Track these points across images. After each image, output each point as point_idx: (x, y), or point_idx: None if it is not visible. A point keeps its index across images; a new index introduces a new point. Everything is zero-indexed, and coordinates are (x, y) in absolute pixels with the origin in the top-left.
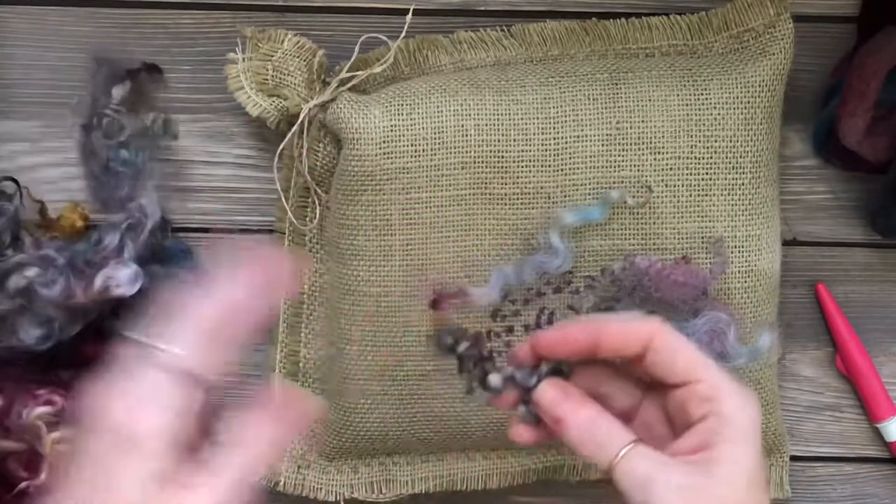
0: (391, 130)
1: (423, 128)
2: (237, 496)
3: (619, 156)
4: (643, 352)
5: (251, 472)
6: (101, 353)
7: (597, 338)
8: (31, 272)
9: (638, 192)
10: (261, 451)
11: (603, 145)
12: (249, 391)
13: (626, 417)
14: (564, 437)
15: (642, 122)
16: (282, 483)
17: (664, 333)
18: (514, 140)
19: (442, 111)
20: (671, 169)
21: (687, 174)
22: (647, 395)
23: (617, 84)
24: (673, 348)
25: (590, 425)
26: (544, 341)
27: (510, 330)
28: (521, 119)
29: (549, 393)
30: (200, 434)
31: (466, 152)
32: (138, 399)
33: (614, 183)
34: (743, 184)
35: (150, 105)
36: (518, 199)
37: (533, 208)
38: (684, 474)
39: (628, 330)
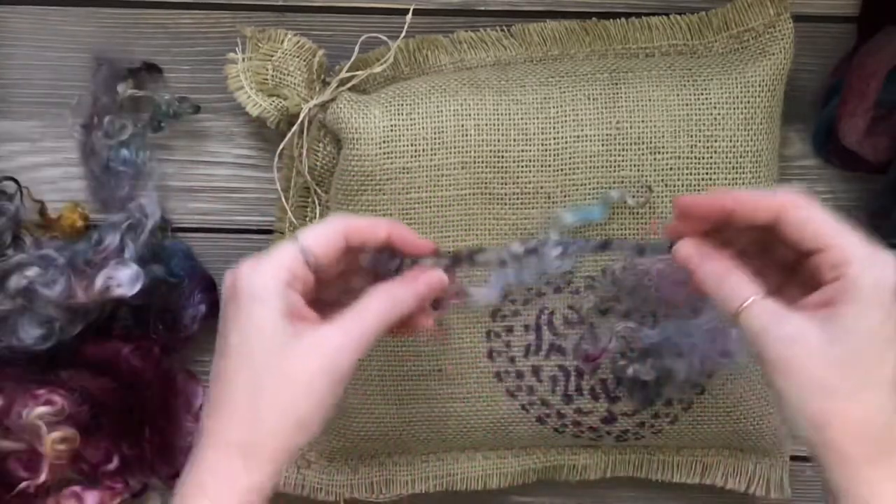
0: (391, 130)
1: (423, 128)
2: (362, 336)
3: (619, 156)
4: (774, 222)
5: (376, 318)
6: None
7: (733, 204)
8: (32, 272)
9: (638, 192)
10: (387, 304)
11: (603, 145)
12: None
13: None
14: (699, 286)
15: (642, 122)
16: (282, 483)
17: (795, 205)
18: (514, 140)
19: (442, 111)
20: (671, 169)
21: (687, 174)
22: (790, 277)
23: (617, 84)
24: (803, 218)
25: (720, 277)
26: (685, 199)
27: (510, 330)
28: (521, 119)
29: (685, 249)
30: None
31: (466, 152)
32: (260, 269)
33: (614, 183)
34: (743, 184)
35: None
36: (518, 199)
37: (533, 208)
38: (796, 327)
39: (761, 200)
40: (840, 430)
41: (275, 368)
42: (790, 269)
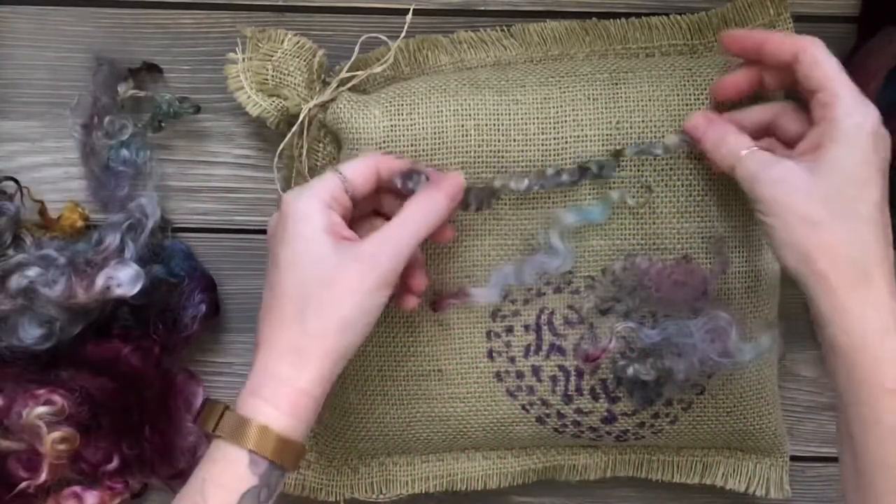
0: (391, 130)
1: (423, 128)
2: (401, 240)
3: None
4: (792, 60)
5: (414, 224)
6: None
7: (762, 42)
8: (33, 272)
9: (638, 192)
10: (422, 209)
11: (603, 145)
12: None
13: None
14: (703, 148)
15: (642, 122)
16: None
17: (811, 47)
18: (514, 140)
19: (442, 111)
20: (671, 169)
21: (687, 174)
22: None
23: (617, 84)
24: (815, 59)
25: (720, 138)
26: (727, 35)
27: (510, 330)
28: (521, 119)
29: (695, 118)
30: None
31: (466, 152)
32: (305, 193)
33: (614, 183)
34: None
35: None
36: (518, 199)
37: (533, 208)
38: (784, 169)
39: (785, 40)
40: (824, 259)
41: (319, 276)
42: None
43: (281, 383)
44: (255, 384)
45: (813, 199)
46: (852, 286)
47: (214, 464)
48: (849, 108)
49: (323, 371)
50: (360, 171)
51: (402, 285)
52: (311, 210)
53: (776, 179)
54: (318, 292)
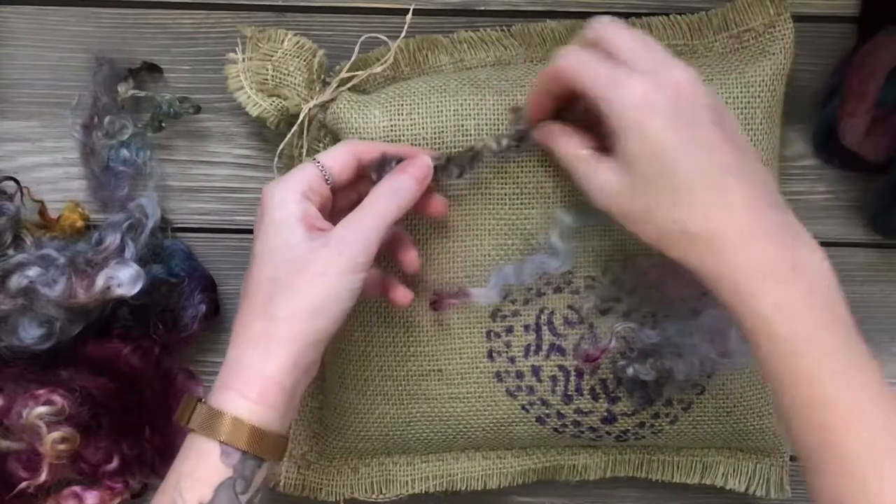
0: (391, 130)
1: (423, 128)
2: (370, 226)
3: None
4: (567, 88)
5: (381, 209)
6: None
7: (545, 94)
8: (33, 272)
9: None
10: (388, 195)
11: None
12: None
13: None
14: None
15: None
16: (282, 483)
17: (565, 64)
18: None
19: (442, 111)
20: None
21: None
22: None
23: None
24: (574, 76)
25: (561, 143)
26: (533, 104)
27: (510, 330)
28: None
29: (541, 129)
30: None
31: None
32: (282, 183)
33: None
34: None
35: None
36: (518, 199)
37: (533, 208)
38: (602, 174)
39: (554, 73)
40: (674, 247)
41: (289, 263)
42: None
43: (250, 372)
44: (225, 375)
45: (632, 196)
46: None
47: (189, 457)
48: (609, 96)
49: (291, 358)
50: (338, 158)
51: (394, 272)
52: (285, 200)
53: (599, 188)
54: (287, 279)
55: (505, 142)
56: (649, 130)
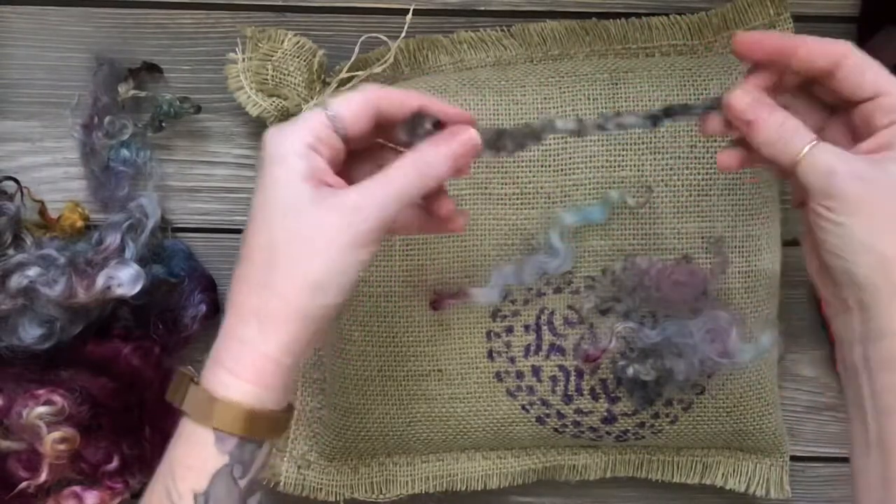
0: None
1: None
2: (386, 197)
3: (619, 156)
4: (832, 68)
5: (403, 180)
6: (101, 352)
7: (792, 50)
8: (33, 272)
9: (638, 192)
10: (415, 165)
11: (603, 145)
12: None
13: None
14: (755, 138)
15: None
16: (282, 483)
17: (854, 53)
18: None
19: None
20: (671, 169)
21: (687, 174)
22: (833, 116)
23: (617, 84)
24: (862, 65)
25: (778, 126)
26: (746, 39)
27: (510, 330)
28: (521, 119)
29: (744, 99)
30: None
31: None
32: (285, 131)
33: (614, 183)
34: (743, 184)
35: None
36: (518, 199)
37: (533, 208)
38: (866, 164)
39: (821, 47)
40: (852, 262)
41: (291, 230)
42: (827, 120)
43: (244, 349)
44: (218, 351)
45: (894, 201)
46: None
47: (182, 443)
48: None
49: (291, 335)
50: (352, 107)
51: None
52: (287, 153)
53: (860, 174)
54: (287, 247)
55: (573, 125)
56: None
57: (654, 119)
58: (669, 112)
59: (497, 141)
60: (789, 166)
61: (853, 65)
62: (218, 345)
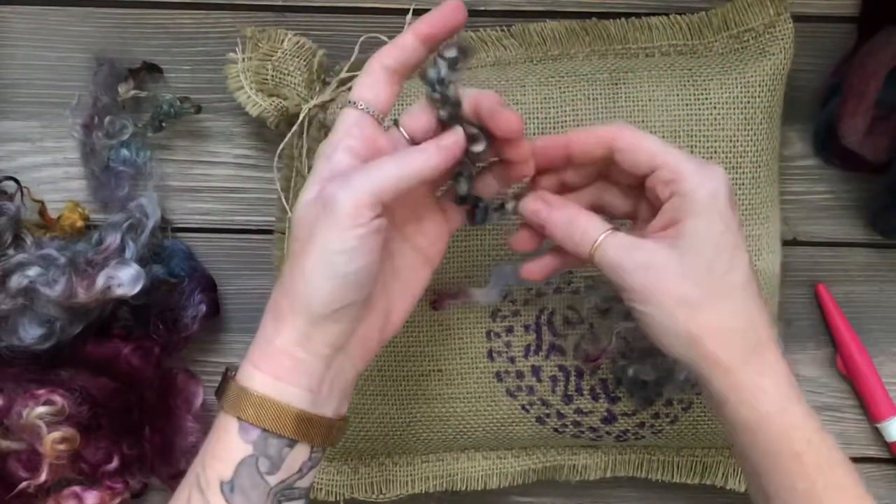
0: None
1: None
2: (373, 188)
3: None
4: (609, 152)
5: (413, 165)
6: (101, 352)
7: (566, 145)
8: (33, 272)
9: None
10: (422, 155)
11: None
12: None
13: (630, 219)
14: (552, 238)
15: (642, 122)
16: None
17: (625, 131)
18: None
19: None
20: None
21: None
22: (641, 198)
23: (617, 84)
24: (634, 142)
25: (568, 223)
26: (525, 153)
27: (510, 330)
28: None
29: (531, 204)
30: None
31: None
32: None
33: None
34: (743, 184)
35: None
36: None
37: None
38: (648, 252)
39: (593, 133)
40: (711, 341)
41: (305, 226)
42: (636, 201)
43: (265, 343)
44: (251, 348)
45: (686, 280)
46: (744, 361)
47: (213, 434)
48: (697, 177)
49: (298, 328)
50: (384, 95)
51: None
52: (332, 158)
53: (643, 264)
54: (301, 244)
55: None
56: (733, 223)
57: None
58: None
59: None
60: (587, 260)
61: (626, 145)
62: (252, 343)
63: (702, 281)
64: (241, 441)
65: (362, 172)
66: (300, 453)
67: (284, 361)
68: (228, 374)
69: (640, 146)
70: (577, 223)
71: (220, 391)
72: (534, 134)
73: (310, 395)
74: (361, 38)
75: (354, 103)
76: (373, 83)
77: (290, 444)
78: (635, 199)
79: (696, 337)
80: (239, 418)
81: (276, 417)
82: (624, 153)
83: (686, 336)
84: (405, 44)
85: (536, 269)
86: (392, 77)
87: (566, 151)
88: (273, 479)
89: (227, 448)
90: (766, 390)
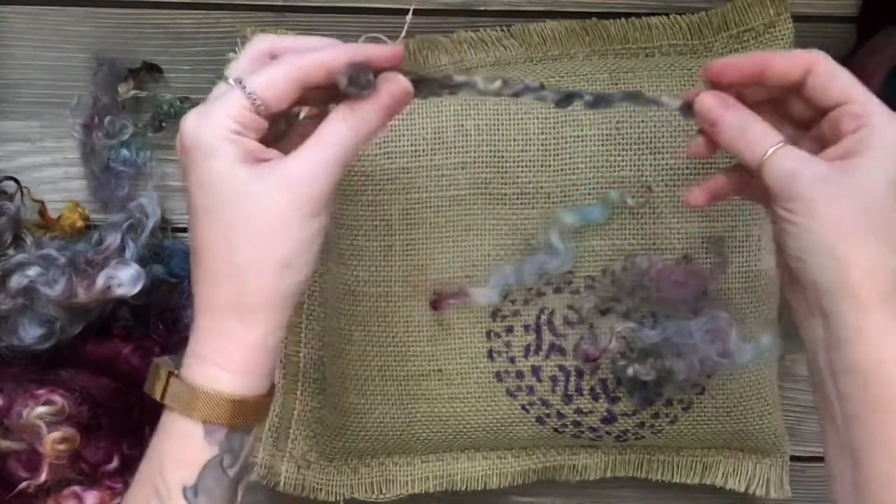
0: (391, 130)
1: (423, 128)
2: (327, 160)
3: (619, 156)
4: (804, 77)
5: (339, 140)
6: (101, 352)
7: (764, 65)
8: (33, 272)
9: (638, 192)
10: (348, 123)
11: (603, 145)
12: None
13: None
14: (720, 139)
15: (642, 122)
16: (282, 483)
17: (825, 60)
18: (514, 140)
19: (442, 111)
20: (671, 169)
21: (687, 174)
22: (804, 133)
23: (617, 84)
24: (832, 72)
25: (743, 126)
26: (716, 65)
27: (510, 330)
28: (521, 119)
29: (709, 100)
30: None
31: (466, 152)
32: (206, 121)
33: (614, 183)
34: None
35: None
36: (518, 199)
37: (533, 208)
38: (829, 168)
39: (793, 57)
40: (859, 271)
41: (242, 216)
42: (800, 129)
43: (231, 342)
44: (200, 347)
45: (856, 204)
46: (882, 301)
47: (169, 437)
48: (885, 119)
49: (272, 321)
50: (274, 89)
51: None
52: (215, 147)
53: (822, 177)
54: (245, 235)
55: (497, 84)
56: None
57: (569, 98)
58: (606, 99)
59: (415, 86)
60: (754, 167)
61: (823, 72)
62: (197, 343)
63: (868, 211)
64: (205, 444)
65: (325, 151)
66: (253, 434)
67: (254, 356)
68: (173, 375)
69: (838, 75)
70: (752, 127)
71: (160, 389)
72: (534, 134)
73: (268, 379)
74: (361, 39)
75: (245, 89)
76: (276, 90)
77: (248, 432)
78: (797, 135)
79: (846, 263)
80: (206, 422)
81: (246, 414)
82: (821, 78)
83: (836, 259)
84: (329, 67)
85: (700, 193)
86: (296, 88)
87: (761, 69)
88: (233, 471)
89: (189, 451)
90: (893, 336)
